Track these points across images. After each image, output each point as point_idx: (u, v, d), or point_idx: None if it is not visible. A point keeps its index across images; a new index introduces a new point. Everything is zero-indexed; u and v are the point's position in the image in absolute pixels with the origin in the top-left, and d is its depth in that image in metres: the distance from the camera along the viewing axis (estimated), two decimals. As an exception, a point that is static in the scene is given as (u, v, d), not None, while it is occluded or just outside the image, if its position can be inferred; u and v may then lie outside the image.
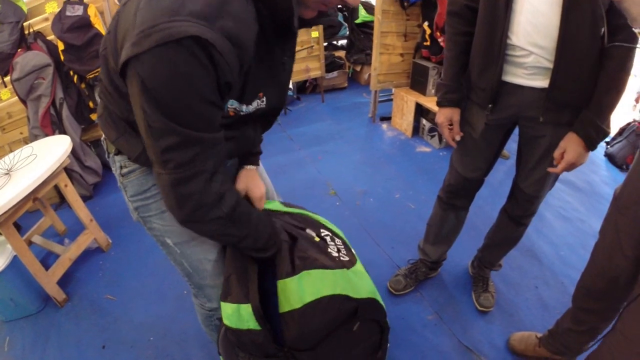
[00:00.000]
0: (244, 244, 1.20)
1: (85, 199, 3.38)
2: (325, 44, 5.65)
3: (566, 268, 2.51)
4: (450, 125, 1.80)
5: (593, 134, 1.43)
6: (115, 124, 1.12)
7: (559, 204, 3.13)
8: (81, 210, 2.76)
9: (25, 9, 3.18)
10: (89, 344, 2.26)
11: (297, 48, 4.73)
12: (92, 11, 3.19)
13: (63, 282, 2.58)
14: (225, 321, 1.32)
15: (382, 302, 1.51)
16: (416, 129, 4.33)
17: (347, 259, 1.45)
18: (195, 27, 0.78)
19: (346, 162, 3.94)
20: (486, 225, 2.24)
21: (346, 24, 5.73)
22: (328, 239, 1.50)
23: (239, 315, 1.28)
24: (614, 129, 3.93)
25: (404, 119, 4.36)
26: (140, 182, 1.19)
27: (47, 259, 2.88)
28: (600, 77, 1.40)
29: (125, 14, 0.87)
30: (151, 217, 1.26)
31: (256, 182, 1.41)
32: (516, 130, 1.81)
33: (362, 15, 5.33)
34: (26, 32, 3.22)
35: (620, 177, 3.47)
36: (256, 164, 1.47)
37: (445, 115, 1.79)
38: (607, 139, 3.93)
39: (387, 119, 4.74)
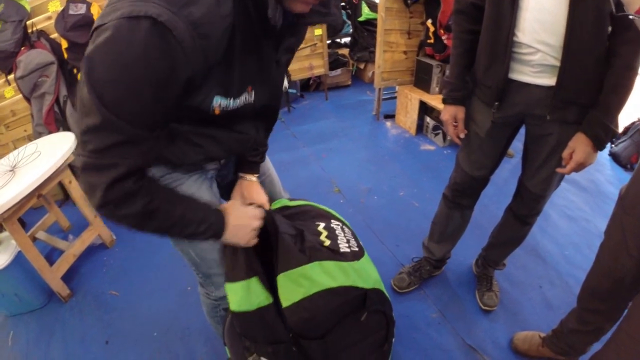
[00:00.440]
0: (171, 233, 1.10)
1: (89, 195, 3.38)
2: (329, 41, 5.62)
3: (571, 268, 2.50)
4: (455, 122, 1.80)
5: (601, 134, 1.43)
6: None
7: (563, 203, 3.12)
8: (85, 206, 2.77)
9: (28, 7, 3.18)
10: (92, 339, 2.27)
11: (301, 46, 4.72)
12: (94, 10, 3.18)
13: (67, 278, 2.59)
14: (233, 306, 1.29)
15: (387, 294, 1.51)
16: (420, 127, 4.31)
17: (356, 249, 1.44)
18: (158, 9, 0.76)
19: (350, 159, 3.93)
20: (491, 224, 2.24)
21: (349, 22, 5.72)
22: (338, 229, 1.48)
23: (248, 291, 1.26)
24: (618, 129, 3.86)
25: (407, 117, 4.35)
26: None
27: (51, 255, 2.89)
28: (608, 76, 1.39)
29: None
30: None
31: (253, 195, 1.43)
32: (521, 130, 1.80)
33: (366, 13, 5.31)
34: (29, 30, 3.21)
35: (624, 177, 3.45)
36: (256, 172, 1.47)
37: (450, 113, 1.78)
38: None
39: (391, 116, 4.73)
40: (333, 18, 1.08)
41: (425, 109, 4.20)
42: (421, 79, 4.12)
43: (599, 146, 1.45)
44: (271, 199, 1.52)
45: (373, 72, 4.82)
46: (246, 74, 1.02)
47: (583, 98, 1.45)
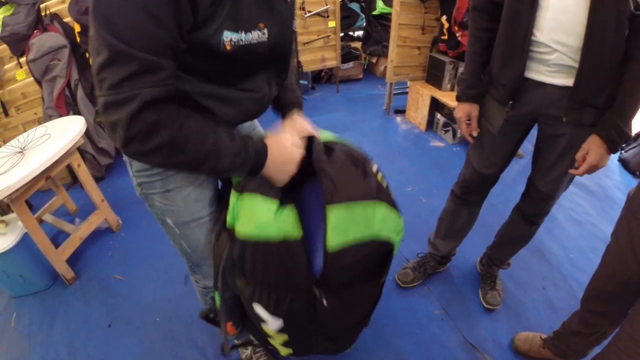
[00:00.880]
0: (205, 168, 1.00)
1: (97, 179, 3.39)
2: (342, 34, 5.61)
3: (575, 271, 2.48)
4: (468, 120, 1.78)
5: (615, 137, 1.41)
6: None
7: (570, 206, 3.10)
8: (93, 190, 2.78)
9: (42, -10, 3.19)
10: (95, 322, 2.28)
11: (314, 37, 4.73)
12: (109, -7, 3.18)
13: (72, 261, 2.61)
14: (248, 228, 1.10)
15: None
16: (430, 123, 4.29)
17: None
18: None
19: (359, 153, 3.90)
20: (497, 223, 2.23)
21: (363, 15, 5.71)
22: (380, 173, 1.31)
23: (277, 215, 1.09)
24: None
25: (418, 113, 4.33)
26: None
27: (57, 238, 2.91)
28: (625, 79, 1.37)
29: None
30: (154, 194, 1.24)
31: (303, 124, 1.29)
32: (532, 130, 1.79)
33: (380, 6, 5.29)
34: (42, 13, 3.22)
35: (633, 183, 3.41)
36: (299, 108, 1.39)
37: (464, 111, 1.77)
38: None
39: (401, 111, 4.71)
40: None
41: (436, 106, 4.18)
42: (433, 75, 4.09)
43: (612, 149, 1.44)
44: None
45: (385, 67, 4.80)
46: (256, 8, 0.98)
47: (599, 100, 1.43)
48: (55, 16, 3.27)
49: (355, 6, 5.77)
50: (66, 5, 3.23)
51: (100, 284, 2.54)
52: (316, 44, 4.82)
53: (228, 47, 0.95)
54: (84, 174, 2.69)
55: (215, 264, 1.31)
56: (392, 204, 1.21)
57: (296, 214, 1.11)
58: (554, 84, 1.48)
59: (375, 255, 1.22)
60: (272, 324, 1.30)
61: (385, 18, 5.26)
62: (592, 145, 1.46)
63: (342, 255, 1.10)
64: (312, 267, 1.16)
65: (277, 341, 1.43)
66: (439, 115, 4.13)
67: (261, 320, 1.31)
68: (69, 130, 2.50)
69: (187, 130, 0.93)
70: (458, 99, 1.79)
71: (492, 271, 2.30)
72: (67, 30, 3.25)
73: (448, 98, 3.81)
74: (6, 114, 3.44)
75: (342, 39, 5.56)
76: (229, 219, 1.17)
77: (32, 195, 2.32)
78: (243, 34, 0.96)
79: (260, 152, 1.07)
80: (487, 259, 2.31)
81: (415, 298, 2.32)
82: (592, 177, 3.43)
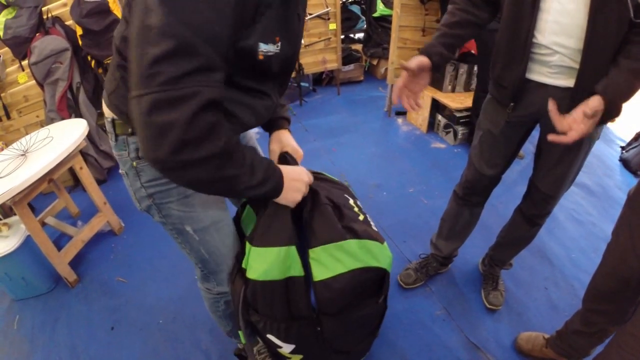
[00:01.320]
0: (240, 183, 0.97)
1: (99, 182, 3.41)
2: (343, 36, 5.62)
3: (577, 271, 2.49)
4: (412, 71, 1.72)
5: (617, 99, 1.33)
6: None
7: (571, 206, 3.10)
8: (95, 193, 2.78)
9: (44, -7, 3.20)
10: (98, 325, 2.29)
11: (315, 39, 4.74)
12: (111, -3, 3.20)
13: (75, 263, 2.62)
14: (256, 274, 1.24)
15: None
16: (431, 125, 4.30)
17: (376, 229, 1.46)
18: None
19: (360, 155, 3.93)
20: (498, 224, 2.23)
21: (363, 17, 5.71)
22: (362, 211, 1.49)
23: (282, 259, 1.22)
24: (630, 135, 3.89)
25: (419, 114, 4.33)
26: None
27: (59, 241, 2.91)
28: (620, 59, 1.33)
29: None
30: (170, 203, 1.19)
31: (292, 142, 1.40)
32: (533, 132, 1.80)
33: (380, 9, 5.29)
34: (44, 16, 3.23)
35: (633, 183, 3.37)
36: (287, 125, 1.45)
37: (415, 59, 1.70)
38: (623, 144, 3.88)
39: (402, 113, 4.72)
40: None
41: (437, 107, 4.18)
42: (434, 77, 4.07)
43: (611, 109, 1.35)
44: None
45: (386, 69, 4.81)
46: (277, 22, 0.97)
47: None
48: (57, 19, 3.28)
49: (355, 8, 5.78)
50: (68, 8, 3.23)
51: (103, 287, 2.54)
52: (317, 46, 4.84)
53: (261, 57, 0.97)
54: (86, 176, 2.69)
55: (234, 304, 1.42)
56: (368, 236, 1.35)
57: (297, 255, 1.26)
58: (556, 86, 1.49)
59: (368, 280, 1.38)
60: (286, 348, 1.49)
61: (385, 20, 5.26)
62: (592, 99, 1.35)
63: (330, 285, 1.28)
64: (311, 298, 1.34)
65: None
66: (440, 117, 4.14)
67: (277, 346, 1.49)
68: (71, 133, 2.51)
69: (235, 138, 0.92)
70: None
71: (494, 272, 2.30)
72: (69, 33, 3.26)
73: (449, 99, 3.82)
74: (8, 117, 3.44)
75: (342, 41, 5.57)
76: (243, 263, 1.32)
77: (34, 198, 2.32)
78: (271, 45, 0.98)
79: (280, 175, 1.12)
80: (489, 260, 2.31)
81: (418, 299, 2.32)
82: (593, 176, 3.45)
